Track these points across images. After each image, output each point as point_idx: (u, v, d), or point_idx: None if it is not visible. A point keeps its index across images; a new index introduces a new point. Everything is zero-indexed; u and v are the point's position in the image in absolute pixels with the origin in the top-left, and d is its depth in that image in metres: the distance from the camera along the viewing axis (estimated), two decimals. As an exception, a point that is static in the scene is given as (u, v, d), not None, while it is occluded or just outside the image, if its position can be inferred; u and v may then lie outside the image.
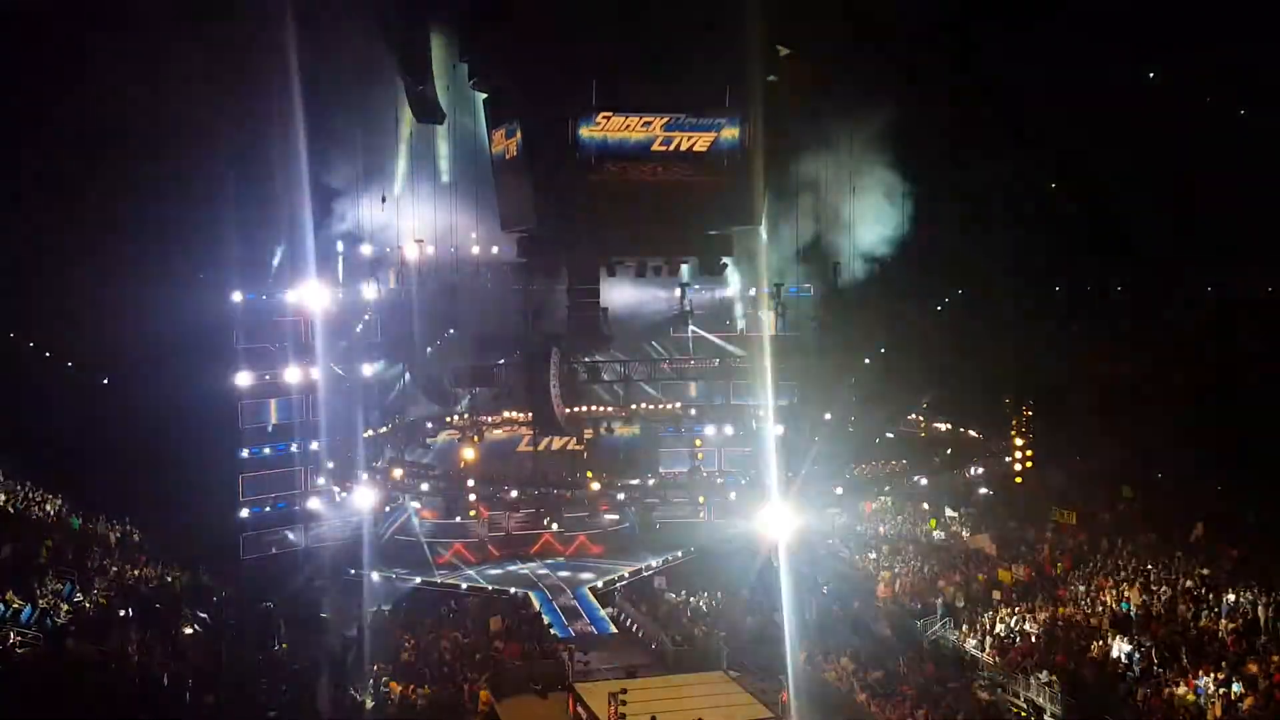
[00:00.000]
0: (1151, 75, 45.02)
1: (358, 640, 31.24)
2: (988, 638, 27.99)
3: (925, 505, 35.16)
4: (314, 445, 35.71)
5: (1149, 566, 28.61)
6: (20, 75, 32.63)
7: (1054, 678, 24.99)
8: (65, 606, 24.57)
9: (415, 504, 37.05)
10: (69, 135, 33.72)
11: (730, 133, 26.52)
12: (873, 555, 35.39)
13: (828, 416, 39.21)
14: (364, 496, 34.71)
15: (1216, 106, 43.19)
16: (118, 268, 35.79)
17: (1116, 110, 41.23)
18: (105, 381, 39.68)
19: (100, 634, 23.83)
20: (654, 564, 39.27)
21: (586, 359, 37.54)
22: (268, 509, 37.32)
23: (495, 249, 38.68)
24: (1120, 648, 25.05)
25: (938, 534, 35.19)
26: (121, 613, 25.83)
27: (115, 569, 28.95)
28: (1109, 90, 42.70)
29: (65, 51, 33.12)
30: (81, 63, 32.97)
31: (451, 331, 38.43)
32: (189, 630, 27.47)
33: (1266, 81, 39.21)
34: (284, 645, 30.00)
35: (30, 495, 31.47)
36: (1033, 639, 26.96)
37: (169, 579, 30.24)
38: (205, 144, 33.78)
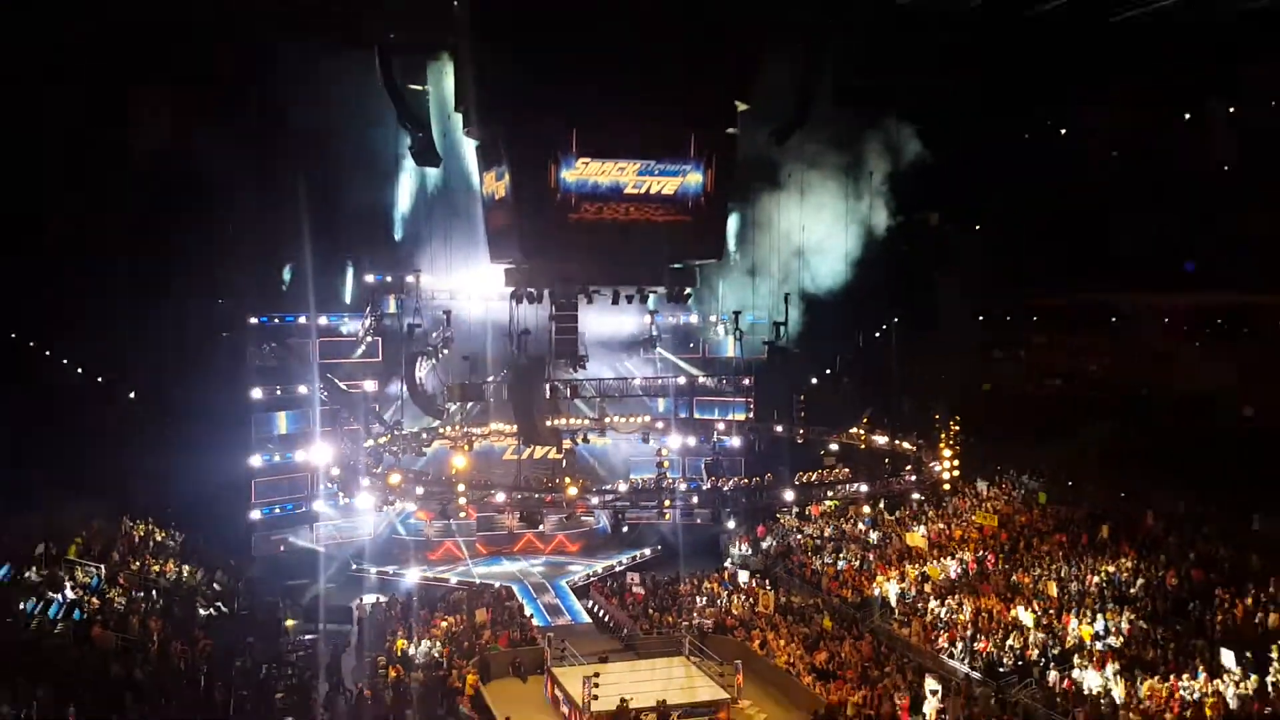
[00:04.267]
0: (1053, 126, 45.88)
1: (358, 631, 31.08)
2: (919, 625, 28.12)
3: (865, 509, 35.29)
4: (319, 453, 35.42)
5: (1060, 564, 28.88)
6: (69, 125, 32.48)
7: (977, 660, 25.24)
8: (92, 599, 24.27)
9: (411, 506, 36.85)
10: (111, 178, 33.62)
11: (694, 177, 26.63)
12: (815, 556, 35.59)
13: (779, 430, 39.41)
14: (365, 500, 34.45)
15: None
16: (143, 292, 35.51)
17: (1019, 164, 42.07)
18: (131, 395, 39.21)
19: (122, 624, 23.55)
20: (624, 560, 39.24)
21: (565, 377, 37.47)
22: (277, 511, 37.00)
23: (484, 279, 38.70)
24: (1035, 635, 25.29)
25: (873, 536, 35.35)
26: (143, 605, 25.59)
27: (138, 564, 28.63)
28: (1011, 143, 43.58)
29: (111, 103, 33.05)
30: (125, 113, 32.97)
31: (445, 352, 38.34)
32: (204, 620, 27.19)
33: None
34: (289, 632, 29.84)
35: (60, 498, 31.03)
36: (959, 627, 27.14)
37: (186, 574, 29.91)
38: (225, 185, 33.69)
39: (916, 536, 33.34)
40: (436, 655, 27.80)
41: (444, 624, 30.41)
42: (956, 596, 28.92)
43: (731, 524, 37.53)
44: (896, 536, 34.65)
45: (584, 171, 25.88)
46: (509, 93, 25.07)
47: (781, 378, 40.86)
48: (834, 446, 37.14)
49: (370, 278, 38.95)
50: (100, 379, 40.07)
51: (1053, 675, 23.62)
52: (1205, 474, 30.54)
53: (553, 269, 28.45)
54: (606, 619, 33.25)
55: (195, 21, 29.35)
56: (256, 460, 36.38)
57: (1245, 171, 39.31)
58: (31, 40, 28.65)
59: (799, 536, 37.39)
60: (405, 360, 37.71)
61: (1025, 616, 26.32)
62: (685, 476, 38.97)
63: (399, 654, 27.93)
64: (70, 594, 23.89)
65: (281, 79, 33.01)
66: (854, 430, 36.88)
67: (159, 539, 31.52)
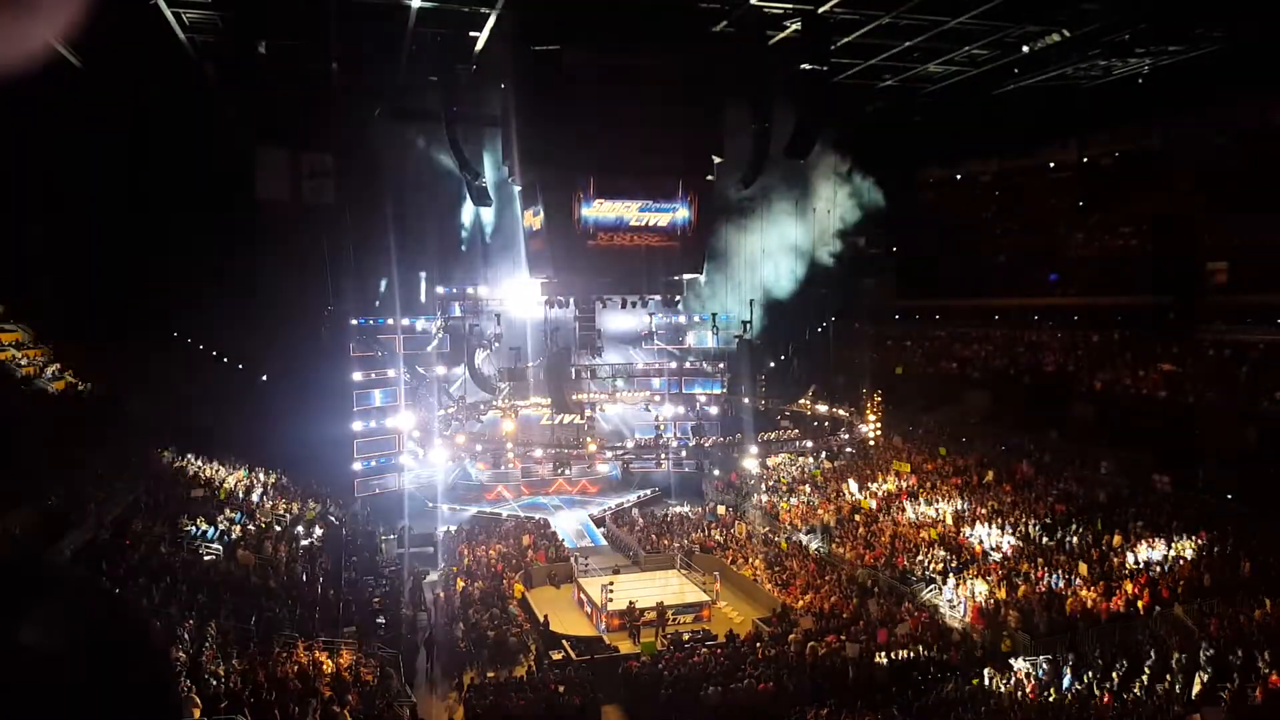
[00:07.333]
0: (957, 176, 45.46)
1: (434, 552, 31.05)
2: (851, 545, 28.11)
3: (810, 460, 35.21)
4: (404, 420, 35.42)
5: (957, 498, 28.83)
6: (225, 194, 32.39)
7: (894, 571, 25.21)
8: (237, 528, 24.34)
9: (473, 459, 36.85)
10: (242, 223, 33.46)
11: (682, 212, 26.61)
12: (774, 495, 35.49)
13: (746, 401, 39.29)
14: (438, 454, 34.50)
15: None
16: (273, 302, 35.54)
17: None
18: (264, 378, 39.21)
19: (258, 546, 23.61)
20: (631, 499, 39.20)
21: (586, 362, 37.44)
22: (373, 463, 36.89)
23: (526, 289, 38.54)
24: (938, 554, 25.28)
25: (819, 476, 35.24)
26: (274, 532, 25.60)
27: (270, 503, 28.66)
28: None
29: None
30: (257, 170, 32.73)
31: (497, 345, 38.23)
32: (319, 543, 27.19)
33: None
34: (384, 552, 29.80)
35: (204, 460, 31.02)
36: (881, 546, 27.13)
37: (306, 510, 29.89)
38: (331, 223, 33.60)
39: (849, 483, 33.21)
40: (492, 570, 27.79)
41: (499, 547, 30.45)
42: (878, 524, 28.91)
43: (717, 471, 37.55)
44: (835, 480, 34.51)
45: (599, 209, 25.83)
46: (543, 155, 25.05)
47: (747, 362, 40.67)
48: (787, 413, 37.08)
49: (440, 289, 38.82)
50: (239, 366, 40.15)
51: (951, 581, 23.65)
52: (1065, 432, 30.47)
53: (576, 282, 28.46)
54: (618, 542, 33.28)
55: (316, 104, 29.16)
56: (358, 425, 36.23)
57: (1092, 208, 39.10)
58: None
59: (765, 481, 37.27)
60: (467, 351, 37.61)
61: (931, 538, 26.32)
62: (676, 436, 38.92)
63: (464, 567, 28.00)
64: (222, 525, 23.94)
65: (375, 143, 32.85)
66: (802, 401, 36.84)
67: (285, 484, 31.47)
